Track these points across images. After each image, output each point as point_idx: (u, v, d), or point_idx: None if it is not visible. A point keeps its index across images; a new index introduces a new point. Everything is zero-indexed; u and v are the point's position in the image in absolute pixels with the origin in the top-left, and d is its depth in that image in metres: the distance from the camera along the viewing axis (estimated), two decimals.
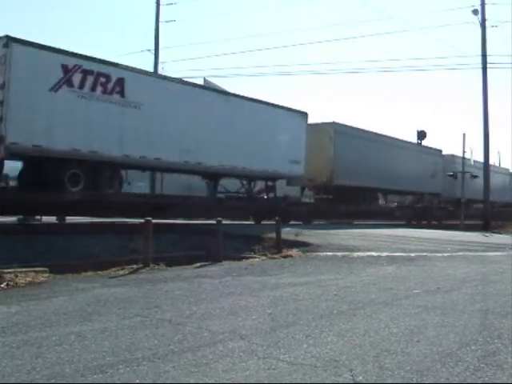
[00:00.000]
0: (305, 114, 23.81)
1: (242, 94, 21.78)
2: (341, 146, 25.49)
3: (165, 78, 19.39)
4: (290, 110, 23.06)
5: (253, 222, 22.06)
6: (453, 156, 36.51)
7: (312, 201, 27.59)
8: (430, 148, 35.26)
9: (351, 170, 25.86)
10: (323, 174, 24.90)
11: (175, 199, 20.46)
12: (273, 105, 22.26)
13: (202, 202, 21.03)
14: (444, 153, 37.34)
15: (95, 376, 3.48)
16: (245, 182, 22.72)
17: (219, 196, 22.10)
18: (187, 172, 20.53)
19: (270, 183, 23.15)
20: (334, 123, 25.75)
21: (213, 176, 21.10)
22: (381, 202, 32.81)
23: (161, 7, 32.57)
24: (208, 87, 21.20)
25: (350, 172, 25.81)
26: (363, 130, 28.43)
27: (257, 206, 22.42)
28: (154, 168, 20.27)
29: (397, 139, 31.47)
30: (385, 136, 30.22)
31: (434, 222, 31.52)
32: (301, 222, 22.24)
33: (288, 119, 22.47)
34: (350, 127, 27.32)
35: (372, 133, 29.08)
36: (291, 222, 21.19)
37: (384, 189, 30.66)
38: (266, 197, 23.62)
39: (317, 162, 24.30)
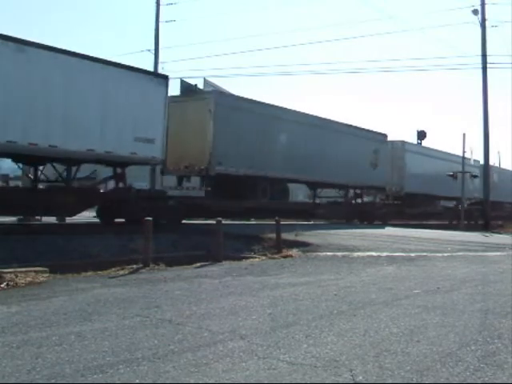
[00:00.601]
0: (164, 78, 17.68)
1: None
2: (226, 122, 19.33)
3: None
4: (138, 70, 17.11)
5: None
6: (403, 143, 30.64)
7: (202, 195, 21.57)
8: (370, 131, 28.25)
9: (240, 154, 19.80)
10: (201, 160, 18.97)
11: None
12: (108, 62, 16.14)
13: (16, 195, 15.63)
14: (393, 139, 30.84)
15: (95, 376, 3.48)
16: (63, 168, 16.64)
17: (41, 187, 16.80)
18: None
19: (119, 170, 17.21)
20: (214, 92, 19.91)
21: (29, 160, 16.04)
22: (303, 197, 27.70)
23: (161, 7, 32.46)
24: None
25: (238, 157, 19.68)
26: (261, 103, 21.71)
27: (91, 200, 16.98)
28: None
29: (317, 117, 24.74)
30: (297, 112, 23.54)
31: (378, 222, 27.07)
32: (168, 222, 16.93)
33: (135, 83, 16.51)
34: (240, 98, 20.79)
35: (276, 107, 22.39)
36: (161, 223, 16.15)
37: (304, 181, 24.62)
38: (115, 187, 17.73)
39: (194, 144, 19.04)
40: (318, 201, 27.36)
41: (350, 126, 26.84)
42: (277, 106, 22.66)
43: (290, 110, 23.29)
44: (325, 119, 25.27)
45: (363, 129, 27.74)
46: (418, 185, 30.11)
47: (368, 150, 27.19)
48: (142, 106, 16.64)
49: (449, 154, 35.07)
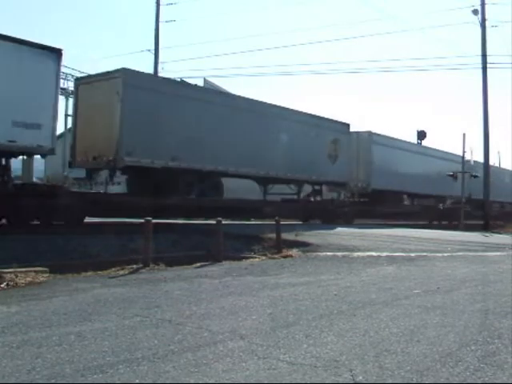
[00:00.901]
0: (54, 52, 14.37)
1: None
2: (139, 106, 16.52)
3: None
4: (17, 41, 13.75)
5: None
6: (370, 134, 27.18)
7: (113, 190, 19.02)
8: (327, 119, 24.59)
9: (159, 143, 17.05)
10: (109, 150, 16.32)
11: None
12: None
13: None
14: (361, 130, 27.41)
15: (95, 376, 3.48)
16: None
17: None
18: None
19: (3, 163, 14.55)
20: (123, 71, 16.55)
21: None
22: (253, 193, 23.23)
23: (161, 7, 32.60)
24: None
25: (155, 147, 16.95)
26: (186, 85, 18.80)
27: None
28: None
29: (260, 103, 21.31)
30: (234, 96, 20.32)
31: (340, 222, 23.50)
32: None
33: (12, 57, 13.56)
34: (158, 78, 17.95)
35: (207, 90, 19.57)
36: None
37: (247, 175, 20.98)
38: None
39: (103, 132, 16.53)
40: (279, 198, 24.24)
41: (302, 112, 23.42)
42: (207, 89, 19.68)
43: (223, 93, 20.00)
44: (270, 105, 21.85)
45: (319, 116, 24.23)
46: (388, 181, 27.20)
47: (325, 141, 24.01)
48: (22, 84, 13.72)
49: (425, 147, 33.09)
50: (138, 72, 17.16)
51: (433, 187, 30.60)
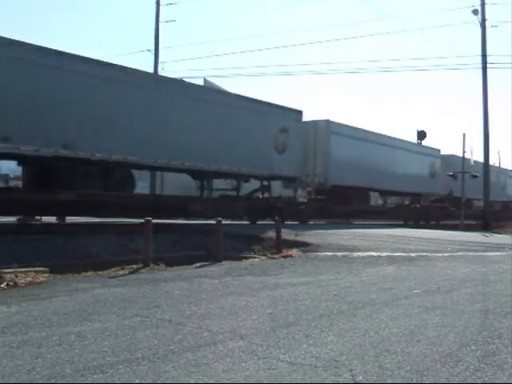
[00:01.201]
0: None
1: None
2: (10, 82, 13.56)
3: None
4: None
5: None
6: (328, 123, 24.14)
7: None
8: (273, 105, 21.64)
9: (49, 127, 14.28)
10: None
11: None
12: None
13: None
14: (321, 118, 24.34)
15: (95, 376, 3.48)
16: None
17: None
18: None
19: None
20: None
21: None
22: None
23: (161, 7, 32.59)
24: None
25: (43, 132, 14.21)
26: (71, 56, 14.91)
27: None
28: None
29: (189, 85, 18.87)
30: (148, 75, 17.76)
31: (293, 222, 20.94)
32: None
33: None
34: (32, 46, 14.15)
35: (114, 66, 16.27)
36: None
37: (174, 168, 18.38)
38: None
39: None
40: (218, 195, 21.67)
41: (240, 96, 20.62)
42: (115, 65, 16.33)
43: (137, 70, 17.11)
44: (199, 86, 19.11)
45: (261, 101, 21.14)
46: (352, 176, 24.49)
47: (271, 130, 21.00)
48: None
49: (398, 140, 29.81)
50: (11, 40, 13.61)
51: (408, 184, 28.33)
